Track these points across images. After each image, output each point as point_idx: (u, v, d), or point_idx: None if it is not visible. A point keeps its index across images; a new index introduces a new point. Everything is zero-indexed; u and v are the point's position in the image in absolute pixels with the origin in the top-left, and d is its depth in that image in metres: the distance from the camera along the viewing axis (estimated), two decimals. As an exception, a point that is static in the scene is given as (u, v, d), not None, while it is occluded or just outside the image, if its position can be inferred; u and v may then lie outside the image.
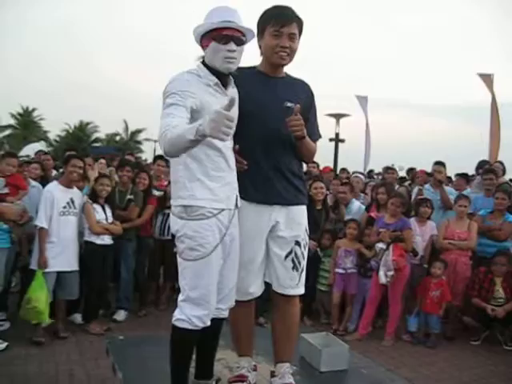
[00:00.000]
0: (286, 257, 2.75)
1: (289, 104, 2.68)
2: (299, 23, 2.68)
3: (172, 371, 2.58)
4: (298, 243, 2.77)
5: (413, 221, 6.10)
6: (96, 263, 5.54)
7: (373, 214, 6.30)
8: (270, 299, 5.57)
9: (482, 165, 8.30)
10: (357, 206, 6.85)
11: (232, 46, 2.44)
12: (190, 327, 2.49)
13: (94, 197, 5.63)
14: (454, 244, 6.09)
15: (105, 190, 5.66)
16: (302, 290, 2.86)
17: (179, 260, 2.56)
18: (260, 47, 2.74)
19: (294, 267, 2.77)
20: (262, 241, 2.74)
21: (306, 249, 2.86)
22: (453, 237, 6.12)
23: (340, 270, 6.10)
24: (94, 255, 5.53)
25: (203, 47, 2.52)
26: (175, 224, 2.52)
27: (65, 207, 5.34)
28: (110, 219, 5.71)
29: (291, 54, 2.69)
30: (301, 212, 2.82)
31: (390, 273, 5.57)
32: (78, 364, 4.74)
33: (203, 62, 2.54)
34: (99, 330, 5.48)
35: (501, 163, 8.71)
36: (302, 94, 2.83)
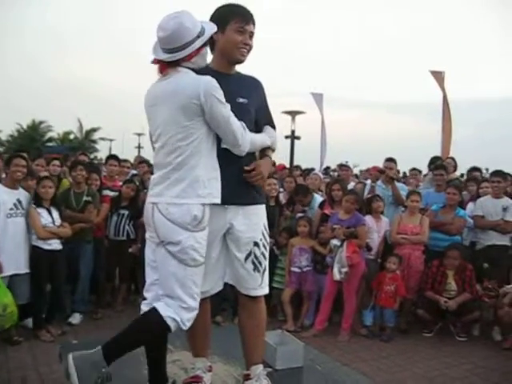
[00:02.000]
0: (246, 259, 2.73)
1: (241, 100, 2.68)
2: (255, 25, 2.72)
3: (119, 350, 2.58)
4: (256, 244, 2.74)
5: (369, 218, 6.19)
6: (42, 269, 5.36)
7: (327, 211, 6.35)
8: (226, 298, 5.62)
9: (433, 161, 8.49)
10: (319, 200, 6.88)
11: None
12: (173, 328, 2.51)
13: (38, 200, 5.42)
14: (406, 239, 6.21)
15: (47, 192, 5.45)
16: (266, 290, 2.85)
17: (177, 266, 2.49)
18: (212, 43, 2.69)
19: (255, 268, 2.75)
20: (216, 241, 2.71)
21: (267, 248, 2.83)
22: (405, 231, 6.25)
23: (296, 269, 6.15)
24: (40, 261, 5.34)
25: (191, 56, 2.52)
26: (177, 234, 2.46)
27: (11, 209, 5.21)
28: (58, 222, 5.53)
29: (249, 51, 2.72)
30: (258, 211, 2.79)
31: (344, 269, 5.65)
32: (31, 369, 4.64)
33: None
34: (49, 337, 5.36)
35: (452, 159, 8.93)
36: (254, 89, 2.83)
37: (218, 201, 2.55)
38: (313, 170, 9.72)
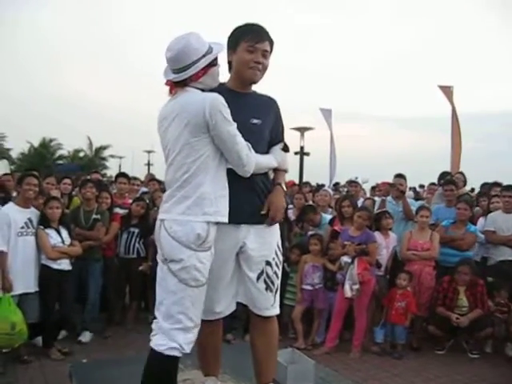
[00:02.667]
0: (258, 278, 2.72)
1: (255, 121, 2.70)
2: (271, 42, 2.73)
3: None
4: (268, 263, 2.74)
5: (378, 234, 6.16)
6: (51, 288, 5.36)
7: (337, 228, 6.34)
8: (237, 316, 5.62)
9: (443, 176, 8.47)
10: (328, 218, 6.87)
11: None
12: (178, 355, 2.48)
13: (45, 221, 5.42)
14: (417, 255, 6.18)
15: (54, 213, 5.45)
16: (277, 311, 2.86)
17: (177, 286, 2.49)
18: (229, 63, 2.75)
19: (268, 288, 2.75)
20: (231, 261, 2.72)
21: (280, 268, 2.83)
22: (416, 247, 6.22)
23: (308, 287, 6.12)
24: (49, 280, 5.35)
25: (198, 76, 2.54)
26: (179, 252, 2.46)
27: (22, 227, 5.24)
28: (68, 241, 5.55)
29: (263, 70, 2.73)
30: (271, 230, 2.79)
31: (356, 286, 5.62)
32: (41, 388, 4.64)
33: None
34: (59, 356, 5.35)
35: (462, 174, 8.90)
36: (270, 109, 2.85)
37: (225, 220, 2.55)
38: (322, 186, 9.71)
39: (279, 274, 2.82)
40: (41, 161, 37.39)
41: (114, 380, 3.20)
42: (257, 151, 2.68)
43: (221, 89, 2.67)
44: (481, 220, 6.84)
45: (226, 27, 2.85)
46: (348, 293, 5.66)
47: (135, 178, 8.21)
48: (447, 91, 14.43)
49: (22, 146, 41.48)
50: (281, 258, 2.84)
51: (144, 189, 8.46)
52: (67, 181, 7.52)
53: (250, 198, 2.68)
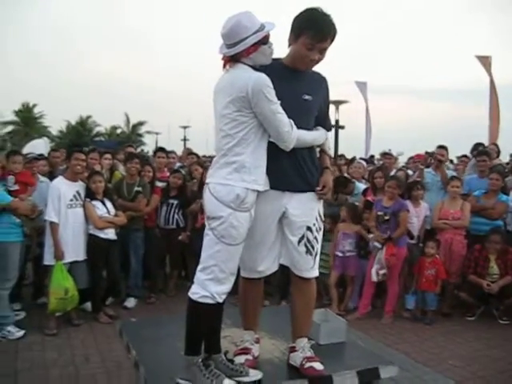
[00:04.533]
0: (299, 242, 2.91)
1: (306, 97, 2.86)
2: (334, 36, 2.83)
3: (189, 343, 2.78)
4: (309, 228, 2.92)
5: (408, 203, 6.30)
6: (99, 256, 5.72)
7: (370, 198, 6.51)
8: (272, 283, 5.84)
9: (476, 147, 8.48)
10: (362, 187, 7.08)
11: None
12: (212, 302, 2.70)
13: (90, 194, 5.76)
14: (448, 224, 6.32)
15: (98, 186, 5.80)
16: (316, 273, 3.05)
17: (214, 241, 2.68)
18: (289, 42, 2.86)
19: (308, 251, 2.94)
20: (273, 225, 2.91)
21: (320, 233, 3.01)
22: (447, 217, 6.35)
23: (339, 253, 6.34)
24: (97, 249, 5.70)
25: (249, 52, 2.68)
26: (219, 210, 2.66)
27: (71, 200, 5.56)
28: (112, 212, 5.89)
29: (316, 63, 2.87)
30: (312, 198, 2.96)
31: (382, 271, 5.85)
32: (92, 348, 5.00)
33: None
34: (107, 319, 5.72)
35: (495, 145, 8.89)
36: (320, 87, 3.00)
37: (261, 188, 2.74)
38: (354, 159, 9.80)
39: (319, 239, 3.01)
40: (79, 138, 38.16)
41: (163, 337, 3.43)
42: (306, 126, 2.87)
43: (277, 64, 2.84)
44: (513, 190, 6.90)
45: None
46: (374, 277, 5.89)
47: (171, 152, 8.45)
48: (485, 62, 14.21)
49: (60, 125, 42.34)
50: (321, 224, 3.03)
51: (179, 164, 8.71)
52: (108, 156, 7.83)
53: (294, 169, 2.87)
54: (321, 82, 3.02)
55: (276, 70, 2.76)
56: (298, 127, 2.79)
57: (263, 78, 2.63)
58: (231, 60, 2.74)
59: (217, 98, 2.79)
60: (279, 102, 2.67)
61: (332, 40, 2.82)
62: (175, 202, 6.82)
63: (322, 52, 2.82)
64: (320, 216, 3.01)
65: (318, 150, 3.10)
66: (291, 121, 2.72)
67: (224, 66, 2.78)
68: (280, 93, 2.67)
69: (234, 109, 2.66)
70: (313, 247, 2.95)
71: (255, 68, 2.73)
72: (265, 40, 2.70)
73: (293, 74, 2.86)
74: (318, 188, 2.94)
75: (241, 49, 2.66)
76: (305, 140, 2.85)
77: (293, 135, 2.74)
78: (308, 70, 2.94)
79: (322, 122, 3.06)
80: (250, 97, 2.61)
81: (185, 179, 7.05)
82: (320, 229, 3.01)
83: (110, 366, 4.55)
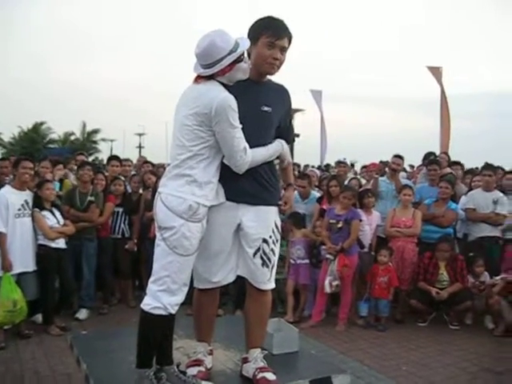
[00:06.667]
0: (255, 254, 2.89)
1: (266, 108, 2.85)
2: (290, 37, 2.85)
3: (141, 355, 2.75)
4: (265, 241, 2.91)
5: (360, 211, 6.39)
6: (50, 266, 5.60)
7: (324, 207, 6.57)
8: (227, 293, 5.83)
9: (427, 156, 8.68)
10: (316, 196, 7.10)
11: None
12: (164, 313, 2.67)
13: (39, 204, 5.64)
14: (400, 231, 6.44)
15: (52, 194, 5.75)
16: (272, 285, 3.04)
17: (167, 252, 2.66)
18: (249, 52, 2.84)
19: (264, 264, 2.92)
20: (228, 235, 2.89)
21: (277, 245, 3.00)
22: (399, 225, 6.48)
23: (291, 261, 6.40)
24: (48, 258, 5.58)
25: (225, 71, 2.67)
26: (171, 220, 2.64)
27: (19, 209, 5.44)
28: (62, 221, 5.81)
29: (279, 65, 2.86)
30: (269, 211, 2.95)
31: (335, 282, 5.93)
32: (42, 362, 4.87)
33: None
34: (58, 332, 5.59)
35: (446, 154, 9.12)
36: (281, 98, 3.00)
37: (209, 204, 2.73)
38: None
39: (276, 251, 3.00)
40: (32, 145, 37.29)
41: (114, 350, 3.37)
42: (265, 138, 2.87)
43: None
44: (463, 198, 7.07)
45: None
46: (327, 288, 5.95)
47: (126, 160, 8.36)
48: (436, 72, 14.51)
49: (12, 131, 41.28)
50: (278, 236, 3.02)
51: (133, 172, 8.60)
52: (60, 167, 7.73)
53: (252, 181, 2.86)
54: (282, 94, 3.03)
55: (235, 83, 2.76)
56: (258, 139, 2.80)
57: (229, 99, 2.62)
58: (205, 77, 2.73)
59: (180, 107, 2.77)
60: (239, 120, 2.67)
61: (289, 42, 2.85)
62: (120, 210, 6.76)
63: (283, 51, 2.82)
64: (277, 228, 3.01)
65: (276, 162, 3.09)
66: (246, 145, 2.71)
67: (195, 80, 2.77)
68: (239, 103, 2.66)
69: (195, 122, 2.65)
70: (269, 259, 2.94)
71: (225, 85, 2.73)
72: (240, 58, 2.70)
73: (252, 86, 2.85)
74: (281, 203, 2.96)
75: (216, 70, 2.66)
76: (260, 161, 2.84)
77: (246, 160, 2.73)
78: (269, 82, 2.96)
79: (285, 134, 3.05)
80: (212, 115, 2.61)
81: (125, 185, 7.03)
82: (277, 241, 3.00)
83: (60, 380, 4.44)
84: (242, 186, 2.84)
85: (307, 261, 6.40)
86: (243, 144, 2.70)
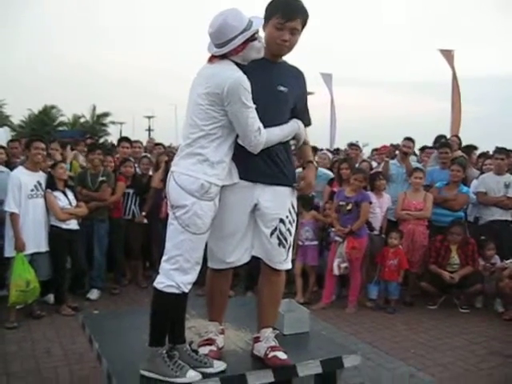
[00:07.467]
0: (272, 234, 2.90)
1: (281, 88, 2.85)
2: (304, 18, 2.81)
3: (154, 333, 2.77)
4: (282, 221, 2.91)
5: (371, 194, 6.38)
6: (61, 247, 5.64)
7: (335, 189, 6.56)
8: (238, 274, 5.86)
9: (438, 139, 8.62)
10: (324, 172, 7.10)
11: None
12: (177, 292, 2.70)
13: (52, 184, 5.66)
14: (410, 214, 6.42)
15: (65, 173, 5.78)
16: (289, 265, 3.05)
17: (179, 230, 2.68)
18: (263, 30, 2.84)
19: (281, 243, 2.93)
20: (244, 216, 2.90)
21: (293, 225, 3.01)
22: (409, 208, 6.45)
23: (299, 242, 6.39)
24: (59, 239, 5.61)
25: (238, 50, 2.67)
26: (183, 199, 2.66)
27: (32, 190, 5.46)
28: (74, 202, 5.82)
29: (290, 46, 2.84)
30: (285, 191, 2.95)
31: (344, 265, 5.94)
32: (54, 341, 4.92)
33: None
34: (70, 312, 5.63)
35: (457, 137, 9.05)
36: (297, 81, 3.00)
37: (221, 183, 2.73)
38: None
39: (292, 231, 3.01)
40: (42, 127, 37.40)
41: (126, 329, 3.41)
42: (280, 117, 2.87)
43: None
44: (474, 181, 7.04)
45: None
46: (336, 270, 5.96)
47: (137, 141, 8.36)
48: (448, 55, 14.41)
49: (22, 114, 41.43)
50: (294, 216, 3.02)
51: (144, 154, 8.60)
52: (68, 148, 7.75)
53: (267, 160, 2.86)
54: (298, 76, 3.03)
55: (252, 61, 2.74)
56: (272, 119, 2.80)
57: (242, 79, 2.62)
58: (219, 57, 2.72)
59: (195, 86, 2.77)
60: (253, 100, 2.66)
61: (303, 23, 2.82)
62: (130, 191, 6.78)
63: (294, 33, 2.79)
64: (294, 208, 3.01)
65: (292, 142, 3.08)
66: (260, 125, 2.71)
67: (209, 60, 2.77)
68: (254, 82, 2.66)
69: (207, 102, 2.65)
70: (286, 239, 2.95)
71: (240, 65, 2.71)
72: (253, 37, 2.68)
73: (268, 65, 2.84)
74: (296, 184, 2.96)
75: (229, 49, 2.66)
76: (275, 141, 2.84)
77: (260, 140, 2.73)
78: (285, 63, 2.95)
79: (301, 116, 3.05)
80: (224, 95, 2.61)
81: (135, 166, 7.04)
82: (294, 221, 3.01)
83: (72, 359, 4.48)
84: (258, 165, 2.84)
85: (315, 242, 6.41)
86: (257, 124, 2.69)
